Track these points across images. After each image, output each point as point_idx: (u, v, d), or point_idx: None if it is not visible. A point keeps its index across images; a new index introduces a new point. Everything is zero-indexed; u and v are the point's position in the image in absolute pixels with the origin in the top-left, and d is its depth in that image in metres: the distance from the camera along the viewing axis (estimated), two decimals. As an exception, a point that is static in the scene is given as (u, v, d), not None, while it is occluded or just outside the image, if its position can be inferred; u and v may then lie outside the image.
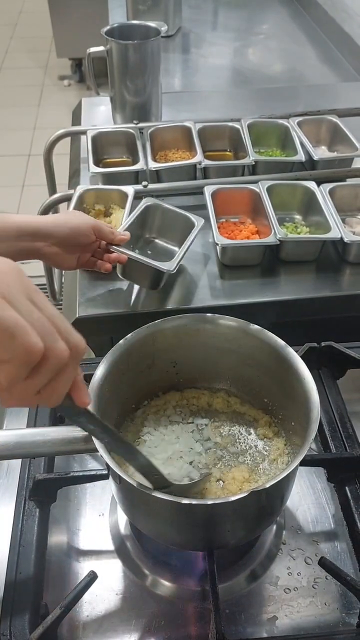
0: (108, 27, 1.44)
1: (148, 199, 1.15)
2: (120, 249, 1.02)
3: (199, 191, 1.20)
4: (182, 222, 1.13)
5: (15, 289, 0.45)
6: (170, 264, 1.02)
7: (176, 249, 1.13)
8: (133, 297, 1.07)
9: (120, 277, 1.07)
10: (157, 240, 1.17)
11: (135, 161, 1.32)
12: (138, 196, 1.20)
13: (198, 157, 1.29)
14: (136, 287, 1.09)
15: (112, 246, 1.01)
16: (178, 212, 1.14)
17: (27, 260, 0.91)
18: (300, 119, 1.43)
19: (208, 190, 1.18)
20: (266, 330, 0.78)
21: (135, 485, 0.62)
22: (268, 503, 0.69)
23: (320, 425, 0.87)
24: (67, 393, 0.50)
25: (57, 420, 0.89)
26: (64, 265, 0.98)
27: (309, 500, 0.82)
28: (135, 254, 1.03)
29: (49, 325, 0.46)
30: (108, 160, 1.41)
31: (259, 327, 0.78)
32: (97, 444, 0.64)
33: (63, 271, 1.49)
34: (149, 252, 1.14)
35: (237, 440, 0.81)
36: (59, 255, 0.94)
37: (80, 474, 0.80)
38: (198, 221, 1.11)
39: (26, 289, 0.46)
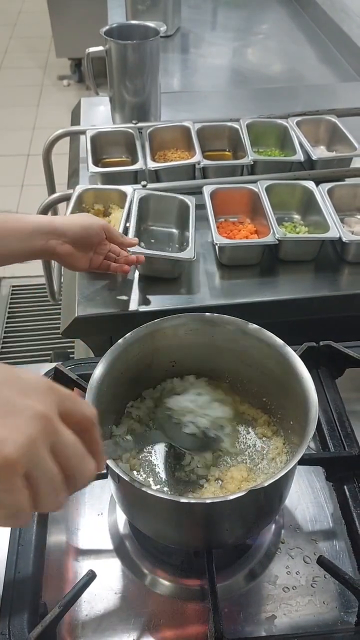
0: (107, 27, 1.44)
1: (139, 192, 1.17)
2: (140, 250, 1.05)
3: (198, 191, 1.20)
4: (176, 205, 1.18)
5: (43, 453, 0.44)
6: (189, 252, 1.05)
7: (175, 231, 1.19)
8: (132, 296, 1.08)
9: (145, 275, 1.09)
10: (154, 227, 1.20)
11: (134, 161, 1.32)
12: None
13: (197, 157, 1.29)
14: (135, 287, 1.09)
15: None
16: (170, 196, 1.18)
17: (41, 259, 0.92)
18: (299, 118, 1.43)
19: (207, 190, 1.18)
20: (265, 330, 0.78)
21: (134, 484, 0.62)
22: (266, 502, 0.69)
23: (319, 424, 0.87)
24: None
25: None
26: (77, 265, 0.99)
27: (308, 499, 0.82)
28: (153, 251, 1.08)
29: (59, 482, 0.46)
30: (107, 160, 1.42)
31: (258, 326, 0.78)
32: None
33: (62, 271, 1.49)
34: (152, 240, 1.16)
35: (236, 440, 0.81)
36: (72, 255, 0.96)
37: (79, 473, 0.80)
38: (190, 200, 1.16)
39: (52, 440, 0.45)
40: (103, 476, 0.77)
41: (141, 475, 0.78)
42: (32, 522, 0.75)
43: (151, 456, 0.80)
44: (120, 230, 1.09)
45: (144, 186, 1.23)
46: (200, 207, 1.16)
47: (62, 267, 1.36)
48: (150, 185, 1.24)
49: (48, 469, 0.45)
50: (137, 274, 1.11)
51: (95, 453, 0.50)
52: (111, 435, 0.79)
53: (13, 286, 2.61)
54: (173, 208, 1.19)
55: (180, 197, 1.18)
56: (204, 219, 1.13)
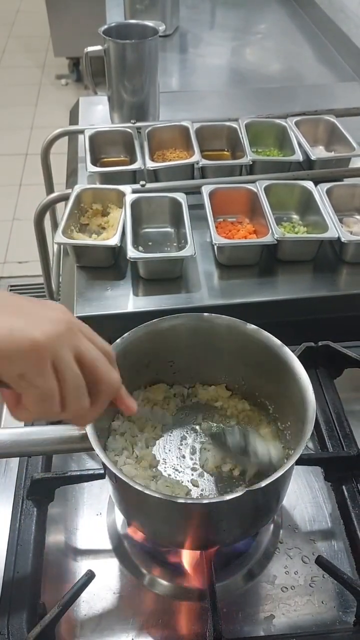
0: (105, 27, 1.44)
1: (129, 196, 1.17)
2: (140, 255, 1.06)
3: (197, 191, 1.20)
4: (167, 204, 1.18)
5: (64, 352, 0.50)
6: (189, 249, 1.05)
7: (170, 230, 1.19)
8: (130, 296, 1.08)
9: (144, 277, 1.09)
10: (149, 229, 1.20)
11: (132, 160, 1.32)
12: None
13: (196, 157, 1.29)
14: (134, 287, 1.09)
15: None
16: (160, 196, 1.19)
17: None
18: (298, 118, 1.43)
19: (206, 190, 1.18)
20: (263, 330, 0.78)
21: (131, 484, 0.62)
22: (264, 502, 0.69)
23: (317, 424, 0.87)
24: (114, 404, 0.59)
25: (54, 419, 0.89)
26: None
27: (306, 499, 0.82)
28: (154, 255, 1.09)
29: (81, 384, 0.52)
30: (106, 159, 1.41)
31: (256, 326, 0.78)
32: (94, 443, 0.64)
33: (60, 270, 1.49)
34: (149, 243, 1.16)
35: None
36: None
37: (78, 473, 0.80)
38: (181, 197, 1.17)
39: (76, 342, 0.51)
40: (101, 476, 0.77)
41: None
42: (31, 522, 0.75)
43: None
44: (118, 236, 1.08)
45: (142, 186, 1.23)
46: (199, 206, 1.16)
47: (61, 267, 1.36)
48: (149, 185, 1.24)
49: (73, 368, 0.50)
50: (134, 274, 1.11)
51: (117, 373, 0.56)
52: (110, 432, 0.78)
53: (11, 286, 2.61)
54: (165, 208, 1.19)
55: (171, 195, 1.18)
56: (203, 219, 1.13)
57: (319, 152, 1.40)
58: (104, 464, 0.65)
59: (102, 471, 0.77)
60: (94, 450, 0.64)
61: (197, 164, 1.29)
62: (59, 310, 0.52)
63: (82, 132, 1.42)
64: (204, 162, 1.29)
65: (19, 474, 0.81)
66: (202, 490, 0.76)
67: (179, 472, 0.78)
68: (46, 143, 1.48)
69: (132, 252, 1.05)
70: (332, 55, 2.06)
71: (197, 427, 0.83)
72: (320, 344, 0.94)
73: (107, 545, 0.78)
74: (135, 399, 0.82)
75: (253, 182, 1.21)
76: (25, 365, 0.48)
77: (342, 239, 1.08)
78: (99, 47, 1.42)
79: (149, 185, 1.24)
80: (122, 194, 1.19)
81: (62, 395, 0.50)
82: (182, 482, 0.76)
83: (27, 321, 0.49)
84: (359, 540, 0.75)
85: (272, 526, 0.79)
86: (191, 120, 1.41)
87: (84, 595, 0.70)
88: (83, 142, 1.37)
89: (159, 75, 1.48)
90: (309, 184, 1.21)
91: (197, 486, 0.76)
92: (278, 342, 0.76)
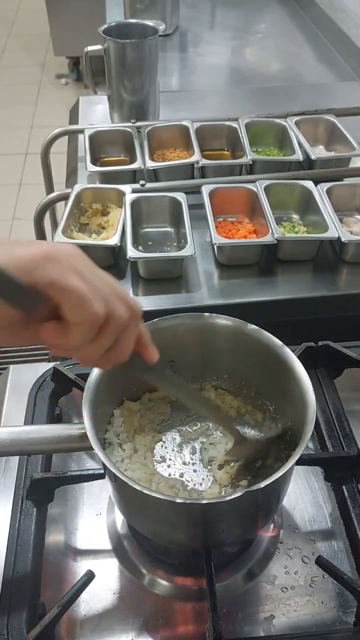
0: (105, 26, 1.44)
1: (129, 196, 1.17)
2: (140, 255, 1.05)
3: (197, 190, 1.20)
4: (167, 204, 1.18)
5: (82, 265, 0.53)
6: (189, 249, 1.05)
7: (170, 229, 1.19)
8: (130, 296, 1.07)
9: (144, 277, 1.09)
10: (149, 229, 1.20)
11: (132, 160, 1.32)
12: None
13: (195, 157, 1.29)
14: (133, 287, 1.09)
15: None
16: (159, 196, 1.19)
17: None
18: (298, 118, 1.43)
19: (206, 190, 1.18)
20: (263, 330, 0.78)
21: (130, 484, 0.62)
22: (264, 502, 0.69)
23: (318, 424, 0.87)
24: (136, 351, 0.60)
25: (54, 418, 0.89)
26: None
27: (306, 499, 0.82)
28: (154, 255, 1.09)
29: (111, 292, 0.54)
30: (105, 159, 1.41)
31: (256, 326, 0.78)
32: (93, 442, 0.64)
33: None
34: (149, 243, 1.16)
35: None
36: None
37: (78, 473, 0.80)
38: (181, 197, 1.17)
39: (91, 265, 0.55)
40: (101, 476, 0.77)
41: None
42: (31, 522, 0.75)
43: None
44: (118, 235, 1.08)
45: (142, 185, 1.23)
46: (199, 206, 1.16)
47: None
48: (148, 185, 1.24)
49: (92, 269, 0.54)
50: (134, 274, 1.11)
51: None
52: (107, 430, 0.78)
53: (11, 285, 2.60)
54: (165, 207, 1.19)
55: (170, 195, 1.18)
56: (203, 219, 1.13)
57: (319, 152, 1.40)
58: (103, 464, 0.64)
59: (101, 471, 0.77)
60: (94, 449, 0.64)
61: (197, 163, 1.29)
62: (72, 246, 0.56)
63: (82, 131, 1.42)
64: (204, 161, 1.29)
65: (18, 474, 0.81)
66: (202, 489, 0.76)
67: (179, 471, 0.78)
68: (46, 142, 1.48)
69: (132, 252, 1.05)
70: (332, 54, 2.06)
71: (197, 426, 0.83)
72: (320, 343, 0.94)
73: (107, 545, 0.78)
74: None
75: (253, 181, 1.21)
76: (51, 272, 0.50)
77: (342, 239, 1.08)
78: (99, 47, 1.43)
79: (148, 185, 1.24)
80: (122, 194, 1.19)
81: (97, 295, 0.52)
82: (183, 481, 0.76)
83: (42, 244, 0.53)
84: (359, 540, 0.75)
85: (272, 526, 0.79)
86: (191, 119, 1.41)
87: (84, 595, 0.69)
88: (83, 141, 1.37)
89: (158, 74, 1.48)
90: (309, 184, 1.21)
91: (198, 485, 0.76)
92: (278, 342, 0.76)
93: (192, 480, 0.77)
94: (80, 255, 0.54)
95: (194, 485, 0.76)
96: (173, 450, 0.80)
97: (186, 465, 0.79)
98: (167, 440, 0.82)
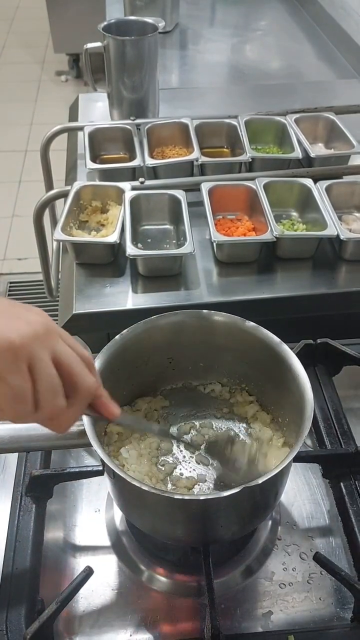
0: (105, 23, 1.43)
1: (129, 193, 1.17)
2: (139, 252, 1.05)
3: (196, 188, 1.20)
4: (166, 201, 1.18)
5: (40, 353, 0.51)
6: (188, 246, 1.05)
7: (169, 227, 1.19)
8: (129, 293, 1.08)
9: (143, 275, 1.09)
10: (148, 226, 1.20)
11: (132, 157, 1.32)
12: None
13: (195, 154, 1.29)
14: (133, 284, 1.09)
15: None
16: (159, 193, 1.19)
17: None
18: (298, 116, 1.42)
19: (205, 187, 1.18)
20: (262, 327, 0.78)
21: (129, 480, 0.62)
22: (261, 498, 0.69)
23: (316, 421, 0.87)
24: (96, 409, 0.60)
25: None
26: None
27: (304, 496, 0.83)
28: (152, 252, 1.09)
29: (57, 382, 0.52)
30: (105, 156, 1.41)
31: (255, 324, 0.78)
32: (92, 439, 0.64)
33: (60, 267, 1.49)
34: (149, 240, 1.16)
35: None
36: None
37: (77, 470, 0.81)
38: (180, 195, 1.16)
39: (52, 346, 0.52)
40: (100, 473, 0.77)
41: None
42: (30, 519, 0.76)
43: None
44: (117, 233, 1.08)
45: (141, 183, 1.23)
46: (198, 204, 1.16)
47: (60, 263, 1.36)
48: (148, 182, 1.24)
49: (48, 367, 0.51)
50: (133, 271, 1.11)
51: (94, 375, 0.57)
52: (105, 432, 0.79)
53: (10, 282, 2.61)
54: (164, 205, 1.19)
55: (170, 192, 1.18)
56: (202, 216, 1.13)
57: (318, 150, 1.40)
58: (102, 460, 0.65)
59: (100, 468, 0.78)
60: (92, 446, 0.64)
61: (197, 161, 1.29)
62: (39, 314, 0.53)
63: (81, 128, 1.42)
64: (204, 159, 1.29)
65: (17, 471, 0.81)
66: (205, 484, 0.76)
67: (180, 468, 0.78)
68: (45, 139, 1.48)
69: (131, 249, 1.05)
70: (332, 52, 2.06)
71: (197, 423, 0.83)
72: (319, 341, 0.94)
73: (106, 541, 0.78)
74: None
75: (252, 179, 1.21)
76: (0, 364, 0.49)
77: (341, 237, 1.08)
78: (98, 44, 1.42)
79: (148, 182, 1.24)
80: (122, 191, 1.19)
81: (36, 394, 0.51)
82: (183, 476, 0.77)
83: (4, 322, 0.50)
84: (357, 537, 0.75)
85: (270, 523, 0.79)
86: (191, 117, 1.41)
87: (83, 591, 0.70)
88: (82, 138, 1.37)
89: (158, 72, 1.48)
90: (308, 182, 1.21)
91: (200, 481, 0.77)
92: (277, 339, 0.77)
93: (194, 474, 0.77)
94: (44, 335, 0.51)
95: (196, 479, 0.77)
96: (174, 446, 0.81)
97: (186, 460, 0.79)
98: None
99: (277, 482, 0.69)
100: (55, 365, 0.52)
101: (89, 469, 0.79)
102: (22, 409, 0.51)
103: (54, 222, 1.64)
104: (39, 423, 0.55)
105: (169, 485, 0.76)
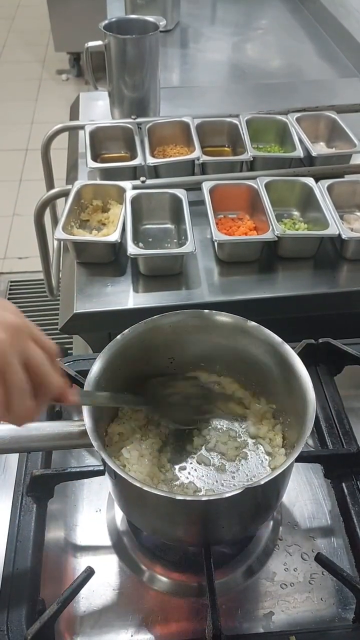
0: (106, 22, 1.43)
1: (130, 192, 1.17)
2: (140, 251, 1.05)
3: (197, 187, 1.20)
4: (167, 200, 1.18)
5: (12, 358, 0.52)
6: (189, 246, 1.05)
7: (170, 226, 1.19)
8: (130, 293, 1.07)
9: (144, 274, 1.09)
10: (150, 226, 1.19)
11: (133, 156, 1.32)
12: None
13: (196, 153, 1.29)
14: (134, 283, 1.09)
15: None
16: (160, 192, 1.18)
17: None
18: (299, 114, 1.42)
19: (206, 186, 1.18)
20: (263, 327, 0.78)
21: (130, 480, 0.62)
22: (263, 499, 0.69)
23: (317, 421, 0.87)
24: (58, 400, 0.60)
25: (54, 415, 0.89)
26: None
27: (306, 496, 0.82)
28: (153, 251, 1.09)
29: (27, 388, 0.53)
30: (106, 155, 1.41)
31: (256, 323, 0.78)
32: (93, 439, 0.64)
33: (61, 267, 1.48)
34: (150, 239, 1.16)
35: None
36: None
37: (78, 469, 0.81)
38: (182, 194, 1.16)
39: (22, 350, 0.53)
40: (101, 473, 0.77)
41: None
42: (31, 519, 0.75)
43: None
44: (118, 232, 1.08)
45: (143, 182, 1.23)
46: (199, 203, 1.16)
47: (61, 263, 1.36)
48: (149, 182, 1.24)
49: (18, 372, 0.52)
50: (135, 270, 1.11)
51: (60, 374, 0.58)
52: (106, 432, 0.78)
53: (11, 282, 2.61)
54: (165, 204, 1.19)
55: (171, 191, 1.18)
56: (203, 215, 1.13)
57: (319, 149, 1.39)
58: (103, 461, 0.64)
59: (101, 468, 0.77)
60: (93, 446, 0.64)
61: (198, 160, 1.28)
62: (11, 313, 0.54)
63: (82, 127, 1.41)
64: (205, 158, 1.29)
65: (18, 471, 0.81)
66: (205, 485, 0.76)
67: (181, 467, 0.78)
68: (46, 138, 1.48)
69: (132, 249, 1.05)
70: (333, 51, 2.05)
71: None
72: (320, 341, 0.94)
73: (107, 541, 0.78)
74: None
75: (253, 178, 1.21)
76: None
77: (343, 236, 1.08)
78: (99, 42, 1.42)
79: (149, 182, 1.24)
80: (123, 190, 1.19)
81: (7, 398, 0.52)
82: (185, 476, 0.77)
83: None
84: (359, 537, 0.75)
85: (271, 523, 0.79)
86: (192, 116, 1.41)
87: (84, 591, 0.70)
88: (83, 137, 1.37)
89: (159, 70, 1.48)
90: (309, 181, 1.20)
91: (199, 480, 0.76)
92: (278, 339, 0.76)
93: (195, 475, 0.77)
94: (16, 338, 0.53)
95: (197, 480, 0.76)
96: (175, 445, 0.80)
97: (188, 461, 0.79)
98: (168, 437, 0.82)
99: (279, 482, 0.69)
100: (25, 367, 0.53)
101: (90, 468, 0.79)
102: None
103: (55, 221, 1.63)
104: (4, 422, 0.56)
105: (173, 484, 0.76)
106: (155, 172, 1.30)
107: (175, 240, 1.16)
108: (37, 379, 0.54)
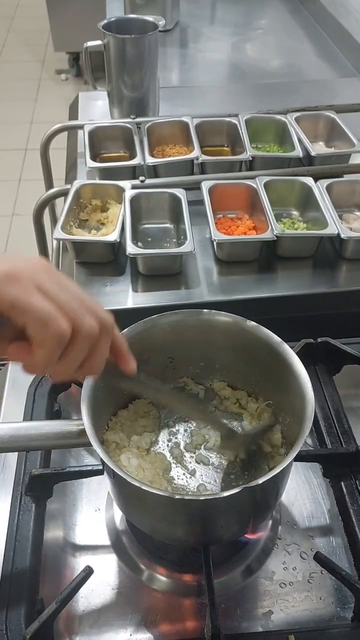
0: (105, 21, 1.43)
1: (129, 192, 1.17)
2: (139, 251, 1.05)
3: (196, 187, 1.20)
4: (166, 200, 1.18)
5: (47, 279, 0.51)
6: (188, 245, 1.05)
7: (170, 226, 1.19)
8: (129, 292, 1.07)
9: (143, 274, 1.09)
10: (149, 225, 1.19)
11: (132, 156, 1.32)
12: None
13: (195, 153, 1.29)
14: (133, 283, 1.09)
15: None
16: (159, 192, 1.18)
17: None
18: (298, 114, 1.42)
19: (205, 186, 1.18)
20: (262, 327, 0.78)
21: (129, 479, 0.62)
22: (262, 498, 0.69)
23: (316, 421, 0.87)
24: (113, 361, 0.60)
25: (53, 414, 0.89)
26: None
27: (305, 495, 0.82)
28: (152, 251, 1.09)
29: (79, 306, 0.52)
30: (105, 155, 1.41)
31: (255, 323, 0.78)
32: (91, 438, 0.64)
33: (60, 266, 1.48)
34: (149, 239, 1.16)
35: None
36: None
37: (77, 469, 0.81)
38: (181, 193, 1.16)
39: (56, 277, 0.53)
40: (100, 472, 0.77)
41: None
42: (30, 518, 0.75)
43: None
44: (117, 232, 1.08)
45: (142, 182, 1.23)
46: (199, 202, 1.16)
47: (60, 262, 1.36)
48: (148, 181, 1.24)
49: (60, 282, 0.52)
50: (134, 270, 1.11)
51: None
52: (102, 441, 0.78)
53: (10, 281, 2.60)
54: (164, 203, 1.19)
55: (170, 191, 1.18)
56: (202, 215, 1.13)
57: (319, 148, 1.39)
58: (102, 460, 0.64)
59: (100, 467, 0.77)
60: (92, 445, 0.64)
61: (197, 159, 1.28)
62: (39, 258, 0.54)
63: (81, 127, 1.41)
64: (204, 157, 1.29)
65: (17, 470, 0.81)
66: (204, 484, 0.76)
67: (181, 467, 0.78)
68: (45, 138, 1.48)
69: (131, 248, 1.05)
70: (332, 50, 2.06)
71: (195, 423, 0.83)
72: (319, 340, 0.94)
73: (106, 541, 0.78)
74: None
75: (253, 178, 1.21)
76: (11, 292, 0.49)
77: (342, 236, 1.08)
78: (98, 42, 1.42)
79: (148, 181, 1.24)
80: (122, 190, 1.19)
81: (63, 309, 0.50)
82: (185, 476, 0.77)
83: (3, 261, 0.51)
84: (357, 536, 0.75)
85: (270, 522, 0.79)
86: (191, 115, 1.41)
87: (83, 591, 0.70)
88: (82, 137, 1.37)
89: (158, 70, 1.48)
90: (308, 180, 1.20)
91: (199, 479, 0.76)
92: (277, 338, 0.76)
93: (195, 473, 0.77)
94: (44, 268, 0.52)
95: (198, 478, 0.77)
96: (174, 444, 0.80)
97: (186, 459, 0.79)
98: (168, 437, 0.82)
99: (277, 481, 0.69)
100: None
101: (89, 468, 0.79)
102: (57, 328, 0.49)
103: (54, 220, 1.63)
104: (74, 364, 0.53)
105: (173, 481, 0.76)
106: (154, 171, 1.30)
107: (174, 240, 1.16)
108: (86, 305, 0.53)
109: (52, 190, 1.29)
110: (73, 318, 0.51)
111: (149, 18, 1.44)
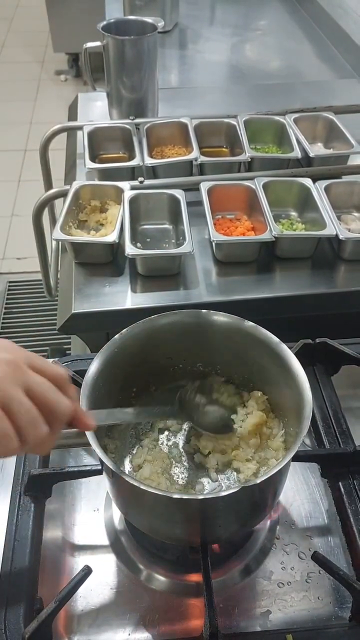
0: (104, 22, 1.43)
1: (128, 193, 1.17)
2: (138, 252, 1.05)
3: (195, 187, 1.20)
4: (165, 201, 1.18)
5: (14, 390, 0.52)
6: (187, 246, 1.05)
7: (168, 226, 1.19)
8: (128, 293, 1.08)
9: (142, 274, 1.09)
10: (148, 226, 1.20)
11: (131, 157, 1.32)
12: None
13: (194, 154, 1.29)
14: (132, 284, 1.09)
15: None
16: (158, 193, 1.18)
17: None
18: (297, 115, 1.43)
19: (204, 187, 1.18)
20: (260, 327, 0.78)
21: (127, 479, 0.62)
22: (260, 498, 0.69)
23: (314, 421, 0.87)
24: (73, 425, 0.60)
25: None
26: None
27: (303, 495, 0.83)
28: (151, 252, 1.09)
29: (35, 415, 0.53)
30: (104, 155, 1.41)
31: (254, 323, 0.78)
32: (90, 438, 0.65)
33: (59, 267, 1.49)
34: (148, 239, 1.16)
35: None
36: None
37: (75, 469, 0.81)
38: (180, 194, 1.16)
39: (23, 381, 0.53)
40: (98, 472, 0.77)
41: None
42: (29, 518, 0.76)
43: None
44: (116, 232, 1.08)
45: (141, 182, 1.23)
46: (197, 203, 1.16)
47: (60, 263, 1.36)
48: (147, 182, 1.24)
49: (23, 402, 0.52)
50: (133, 271, 1.11)
51: (70, 397, 0.58)
52: (105, 435, 0.79)
53: (10, 282, 2.61)
54: (163, 204, 1.19)
55: (169, 192, 1.18)
56: (201, 216, 1.13)
57: (317, 149, 1.40)
58: (101, 460, 0.65)
59: (99, 467, 0.78)
60: (91, 445, 0.65)
61: (196, 160, 1.29)
62: (9, 350, 0.54)
63: (80, 128, 1.42)
64: (203, 158, 1.29)
65: (16, 470, 0.81)
66: (203, 484, 0.76)
67: (180, 467, 0.78)
68: (45, 139, 1.48)
69: (130, 249, 1.05)
70: (331, 52, 2.06)
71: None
72: (317, 341, 0.94)
73: (105, 541, 0.78)
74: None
75: (251, 179, 1.21)
76: None
77: (340, 237, 1.08)
78: (98, 43, 1.42)
79: (147, 182, 1.24)
80: (121, 191, 1.19)
81: (19, 430, 0.52)
82: (184, 475, 0.77)
83: None
84: (355, 536, 0.75)
85: (268, 522, 0.79)
86: (190, 116, 1.41)
87: (81, 590, 0.70)
88: (82, 138, 1.37)
89: (158, 71, 1.48)
90: (307, 181, 1.21)
91: (197, 479, 0.77)
92: (276, 339, 0.77)
93: (194, 473, 0.77)
94: (14, 371, 0.53)
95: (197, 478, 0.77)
96: (174, 443, 0.81)
97: (185, 458, 0.79)
98: (168, 436, 0.82)
99: (276, 481, 0.69)
100: (30, 397, 0.53)
101: (88, 468, 0.79)
102: (9, 446, 0.52)
103: (53, 221, 1.64)
104: (25, 453, 0.56)
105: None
106: (153, 172, 1.30)
107: (173, 241, 1.16)
108: (45, 407, 0.54)
109: (51, 191, 1.29)
110: (26, 434, 0.53)
111: (148, 19, 1.45)
